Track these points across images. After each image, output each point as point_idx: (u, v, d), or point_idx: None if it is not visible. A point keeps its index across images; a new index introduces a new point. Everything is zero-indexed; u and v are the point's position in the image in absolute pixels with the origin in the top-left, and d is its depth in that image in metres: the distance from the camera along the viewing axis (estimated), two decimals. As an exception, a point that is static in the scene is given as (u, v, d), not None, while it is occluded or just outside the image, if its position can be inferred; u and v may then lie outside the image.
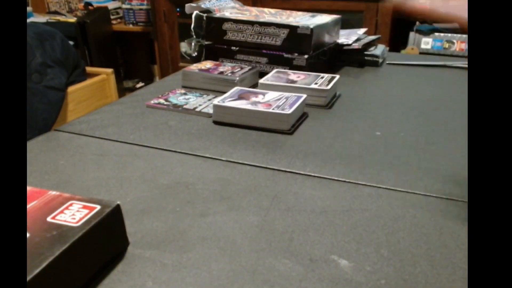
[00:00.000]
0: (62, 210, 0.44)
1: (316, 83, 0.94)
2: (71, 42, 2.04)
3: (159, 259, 0.47)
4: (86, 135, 0.78)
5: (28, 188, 0.47)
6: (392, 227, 0.52)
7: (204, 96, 0.96)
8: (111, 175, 0.64)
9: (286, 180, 0.63)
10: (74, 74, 1.94)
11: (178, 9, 2.75)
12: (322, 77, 0.98)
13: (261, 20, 1.08)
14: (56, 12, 3.23)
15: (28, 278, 0.35)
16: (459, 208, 0.56)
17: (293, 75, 0.99)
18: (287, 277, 0.44)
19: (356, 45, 1.23)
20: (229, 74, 1.00)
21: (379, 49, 1.28)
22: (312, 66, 1.07)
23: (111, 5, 3.06)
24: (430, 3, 1.59)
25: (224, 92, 0.89)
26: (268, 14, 1.17)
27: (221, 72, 1.02)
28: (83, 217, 0.43)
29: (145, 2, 2.99)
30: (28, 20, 1.42)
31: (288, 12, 1.23)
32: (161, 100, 0.93)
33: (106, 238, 0.45)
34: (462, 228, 0.52)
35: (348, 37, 1.28)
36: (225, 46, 1.12)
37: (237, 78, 0.98)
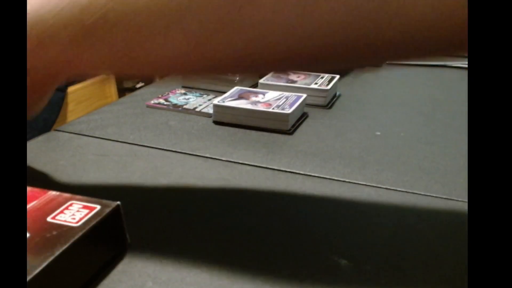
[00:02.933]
0: (62, 210, 0.44)
1: (316, 83, 0.94)
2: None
3: (159, 259, 0.47)
4: (86, 135, 0.78)
5: (28, 188, 0.47)
6: (392, 227, 0.52)
7: (204, 96, 0.96)
8: (111, 175, 0.64)
9: (286, 180, 0.63)
10: (74, 74, 1.94)
11: (178, 9, 2.74)
12: (322, 77, 0.98)
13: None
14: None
15: (28, 278, 0.35)
16: (458, 208, 0.56)
17: (293, 75, 0.99)
18: (288, 277, 0.44)
19: (356, 45, 1.23)
20: (229, 74, 1.00)
21: (379, 49, 1.28)
22: (312, 66, 1.07)
23: (111, 5, 3.06)
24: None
25: (224, 92, 0.89)
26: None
27: (221, 72, 1.01)
28: (83, 217, 0.43)
29: (145, 2, 2.98)
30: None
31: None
32: (161, 100, 0.93)
33: (106, 238, 0.45)
34: (462, 228, 0.52)
35: (348, 37, 1.28)
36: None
37: (237, 78, 0.98)
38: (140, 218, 0.54)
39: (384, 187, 0.61)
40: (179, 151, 0.72)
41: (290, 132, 0.79)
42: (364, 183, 0.62)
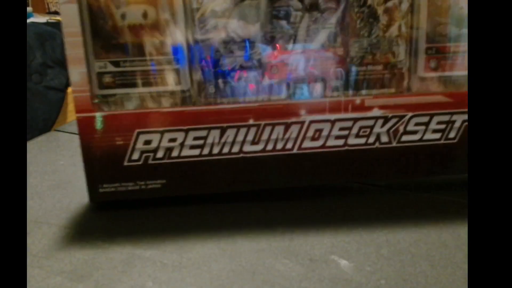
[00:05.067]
0: None
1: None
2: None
3: (159, 259, 0.47)
4: (86, 135, 0.78)
5: None
6: (392, 227, 0.52)
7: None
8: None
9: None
10: (74, 74, 1.94)
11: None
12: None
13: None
14: (56, 12, 3.22)
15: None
16: (459, 208, 0.56)
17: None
18: (287, 277, 0.44)
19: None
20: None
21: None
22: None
23: (111, 6, 3.05)
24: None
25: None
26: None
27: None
28: None
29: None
30: (28, 20, 1.42)
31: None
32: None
33: None
34: (462, 227, 0.52)
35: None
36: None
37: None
38: (141, 218, 0.54)
39: (384, 186, 0.61)
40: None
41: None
42: (365, 182, 0.62)
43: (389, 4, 0.53)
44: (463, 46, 0.54)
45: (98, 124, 0.51)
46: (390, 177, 0.59)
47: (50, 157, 0.71)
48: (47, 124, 1.34)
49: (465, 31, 0.54)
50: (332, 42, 0.53)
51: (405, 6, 0.53)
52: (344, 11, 0.53)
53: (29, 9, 1.39)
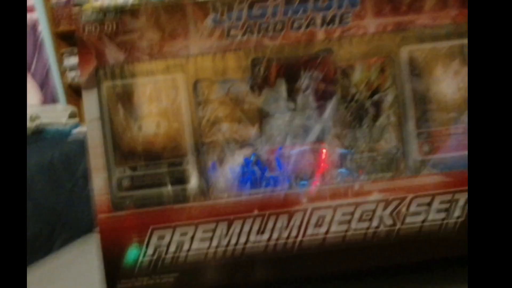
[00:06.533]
0: None
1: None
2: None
3: None
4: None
5: None
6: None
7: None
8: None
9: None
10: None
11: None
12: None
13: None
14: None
15: None
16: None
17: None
18: None
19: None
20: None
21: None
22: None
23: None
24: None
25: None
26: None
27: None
28: None
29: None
30: (75, 131, 1.53)
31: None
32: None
33: None
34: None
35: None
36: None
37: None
38: None
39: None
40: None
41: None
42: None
43: (375, 97, 0.57)
44: (454, 128, 0.56)
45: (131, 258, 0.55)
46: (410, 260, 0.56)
47: (91, 259, 0.72)
48: (92, 225, 1.37)
49: (453, 114, 0.56)
50: (326, 135, 0.57)
51: (390, 98, 0.57)
52: (334, 107, 0.57)
53: (75, 120, 1.49)
